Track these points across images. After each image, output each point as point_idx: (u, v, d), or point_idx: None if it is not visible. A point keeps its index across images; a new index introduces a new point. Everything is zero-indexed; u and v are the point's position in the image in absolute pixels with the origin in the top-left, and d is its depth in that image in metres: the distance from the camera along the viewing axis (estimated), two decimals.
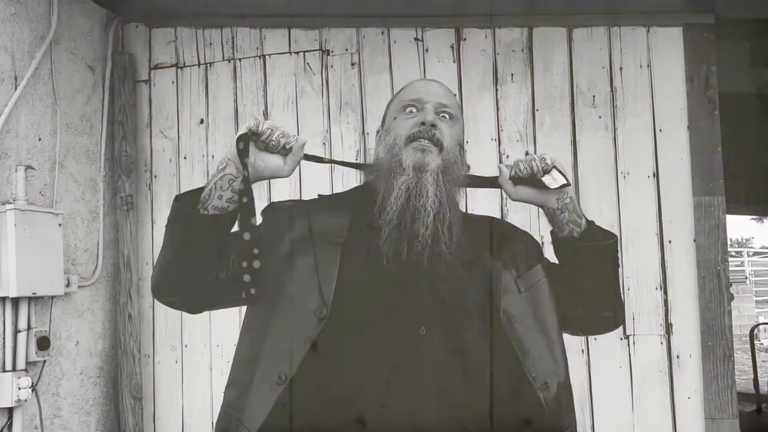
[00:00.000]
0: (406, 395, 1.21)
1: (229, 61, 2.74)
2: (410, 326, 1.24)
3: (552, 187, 1.28)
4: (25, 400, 2.15)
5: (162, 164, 2.75)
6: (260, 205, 1.33)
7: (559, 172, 1.28)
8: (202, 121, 2.74)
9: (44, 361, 2.27)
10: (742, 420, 2.56)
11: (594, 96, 2.60)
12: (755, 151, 3.55)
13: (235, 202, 1.26)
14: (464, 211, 1.44)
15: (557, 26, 2.63)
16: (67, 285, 2.38)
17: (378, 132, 1.46)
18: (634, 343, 2.50)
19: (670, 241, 2.53)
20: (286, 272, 1.30)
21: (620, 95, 2.59)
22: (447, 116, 1.37)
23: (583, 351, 2.50)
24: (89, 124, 2.60)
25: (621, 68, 2.60)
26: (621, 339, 2.50)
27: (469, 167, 1.43)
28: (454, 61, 2.65)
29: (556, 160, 1.30)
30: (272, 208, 1.44)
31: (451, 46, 2.66)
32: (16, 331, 2.18)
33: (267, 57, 2.72)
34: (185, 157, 2.74)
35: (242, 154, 1.22)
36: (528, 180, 1.29)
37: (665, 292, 2.52)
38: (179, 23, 2.76)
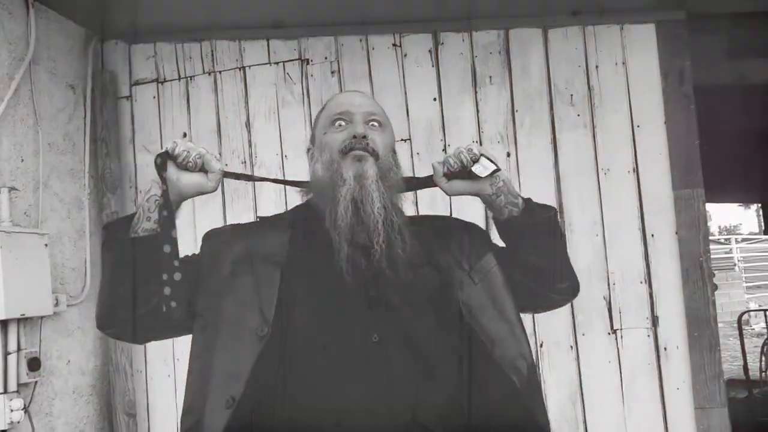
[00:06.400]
0: (366, 405, 1.20)
1: (210, 74, 2.75)
2: (361, 335, 1.24)
3: (482, 175, 1.30)
4: (18, 422, 2.15)
5: (147, 180, 2.74)
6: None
7: (488, 159, 1.30)
8: (185, 135, 2.75)
9: (36, 382, 2.27)
10: (735, 406, 2.59)
11: (572, 95, 2.63)
12: (733, 142, 3.60)
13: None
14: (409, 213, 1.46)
15: (533, 27, 2.66)
16: (56, 304, 2.38)
17: (309, 150, 1.48)
18: (621, 337, 2.53)
19: (652, 235, 2.57)
20: (226, 295, 1.30)
21: (597, 93, 2.63)
22: (376, 124, 1.39)
23: (571, 347, 2.53)
24: (72, 143, 2.61)
25: (597, 66, 2.64)
26: (609, 333, 2.53)
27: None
28: (433, 66, 2.68)
29: (484, 148, 1.32)
30: (211, 234, 1.44)
31: (429, 51, 2.69)
32: (5, 354, 2.17)
33: (247, 68, 2.73)
34: None
35: (159, 169, 1.27)
36: (460, 173, 1.31)
37: (650, 286, 2.55)
38: (158, 38, 2.77)
